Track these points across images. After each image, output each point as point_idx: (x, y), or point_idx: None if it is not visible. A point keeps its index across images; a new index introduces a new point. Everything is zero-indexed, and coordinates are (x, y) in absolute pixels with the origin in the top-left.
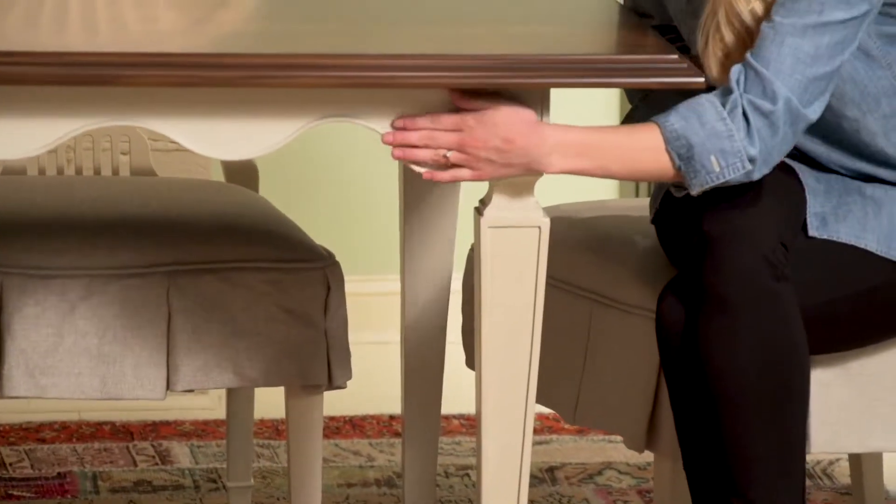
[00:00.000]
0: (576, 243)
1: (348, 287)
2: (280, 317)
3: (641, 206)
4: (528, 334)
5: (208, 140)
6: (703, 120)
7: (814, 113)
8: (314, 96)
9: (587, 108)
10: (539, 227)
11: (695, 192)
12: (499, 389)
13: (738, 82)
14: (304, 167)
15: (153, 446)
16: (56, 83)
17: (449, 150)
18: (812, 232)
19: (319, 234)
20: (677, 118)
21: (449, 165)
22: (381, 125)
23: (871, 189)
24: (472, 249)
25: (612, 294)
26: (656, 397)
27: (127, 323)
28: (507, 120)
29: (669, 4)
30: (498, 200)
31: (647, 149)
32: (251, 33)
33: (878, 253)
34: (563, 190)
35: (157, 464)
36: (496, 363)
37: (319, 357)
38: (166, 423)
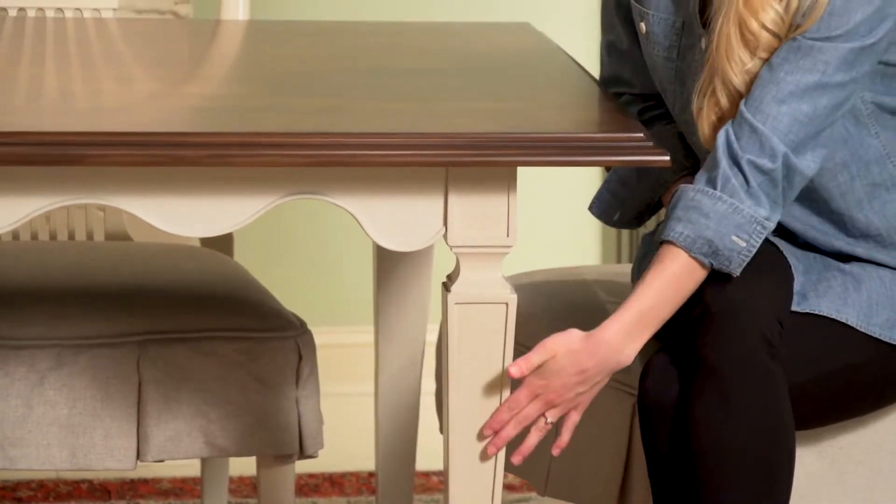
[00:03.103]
0: (548, 311)
1: (326, 338)
2: (252, 386)
3: (618, 272)
4: (496, 408)
5: (176, 218)
6: (705, 211)
7: (809, 170)
8: (282, 174)
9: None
10: (506, 304)
11: (737, 273)
12: (468, 463)
13: (729, 143)
14: (280, 227)
15: None
16: (22, 163)
17: (544, 415)
18: (794, 307)
19: (295, 285)
20: (681, 225)
21: (558, 424)
22: (349, 202)
23: (849, 266)
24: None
25: None
26: (626, 470)
27: (97, 393)
28: (566, 358)
29: (655, 72)
30: (465, 276)
31: (680, 272)
32: (219, 109)
33: (858, 328)
34: (540, 255)
35: None
36: (465, 436)
37: (291, 427)
38: (144, 482)
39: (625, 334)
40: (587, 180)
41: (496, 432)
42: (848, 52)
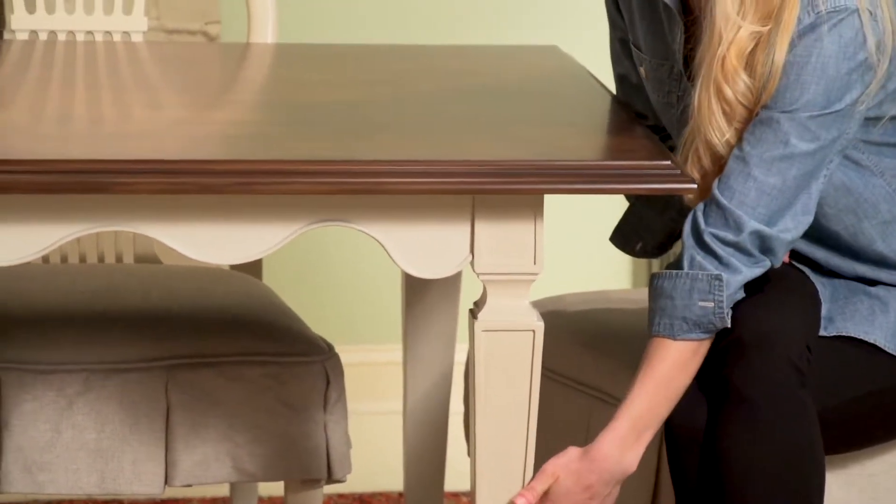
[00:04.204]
0: (577, 337)
1: (354, 356)
2: (279, 411)
3: (647, 295)
4: (523, 435)
5: (202, 245)
6: (668, 294)
7: (788, 234)
8: (308, 201)
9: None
10: (533, 331)
11: (729, 322)
12: (495, 489)
13: (695, 223)
14: (308, 246)
15: None
16: (49, 191)
17: None
18: (821, 332)
19: (323, 304)
20: (657, 317)
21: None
22: (375, 230)
23: (875, 289)
24: None
25: (612, 391)
26: (654, 497)
27: (125, 418)
28: (569, 479)
29: (663, 116)
30: (492, 303)
31: (673, 364)
32: (245, 135)
33: (887, 349)
34: (571, 278)
35: None
36: (491, 462)
37: (319, 451)
38: (174, 501)
39: (620, 444)
40: (619, 202)
41: None
42: (807, 121)
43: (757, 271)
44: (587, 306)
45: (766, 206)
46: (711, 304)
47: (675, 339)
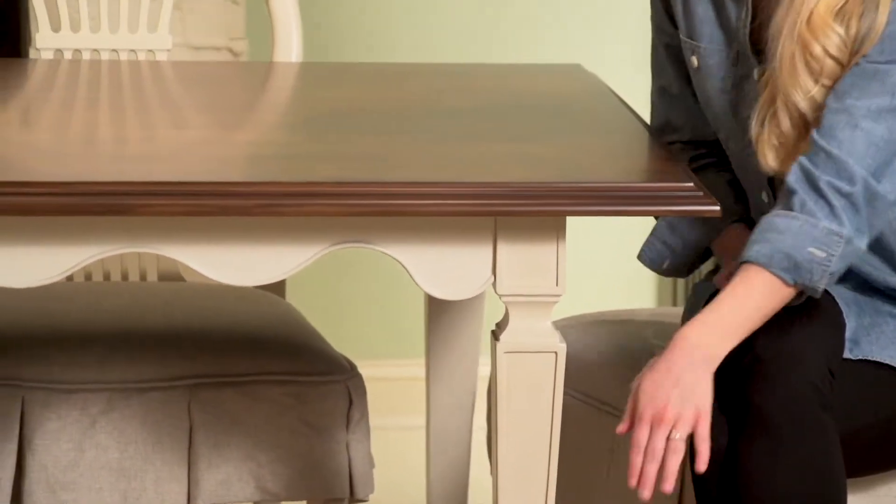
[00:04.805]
0: (601, 355)
1: (377, 372)
2: (302, 430)
3: (670, 313)
4: (545, 457)
5: (223, 267)
6: (780, 229)
7: (891, 195)
8: (330, 223)
9: None
10: (556, 353)
11: (821, 290)
12: None
13: (806, 171)
14: (331, 262)
15: None
16: (72, 213)
17: (671, 436)
18: (846, 354)
19: (345, 319)
20: (758, 245)
21: (687, 441)
22: (397, 251)
23: None
24: None
25: None
26: None
27: (148, 437)
28: (649, 373)
29: (709, 107)
30: (514, 325)
31: (762, 287)
32: (268, 156)
33: None
34: (595, 297)
35: None
36: (513, 483)
37: (341, 471)
38: None
39: (699, 328)
40: (644, 221)
41: (640, 479)
42: None
43: (855, 246)
44: (610, 322)
45: (874, 157)
46: (823, 255)
47: (768, 269)
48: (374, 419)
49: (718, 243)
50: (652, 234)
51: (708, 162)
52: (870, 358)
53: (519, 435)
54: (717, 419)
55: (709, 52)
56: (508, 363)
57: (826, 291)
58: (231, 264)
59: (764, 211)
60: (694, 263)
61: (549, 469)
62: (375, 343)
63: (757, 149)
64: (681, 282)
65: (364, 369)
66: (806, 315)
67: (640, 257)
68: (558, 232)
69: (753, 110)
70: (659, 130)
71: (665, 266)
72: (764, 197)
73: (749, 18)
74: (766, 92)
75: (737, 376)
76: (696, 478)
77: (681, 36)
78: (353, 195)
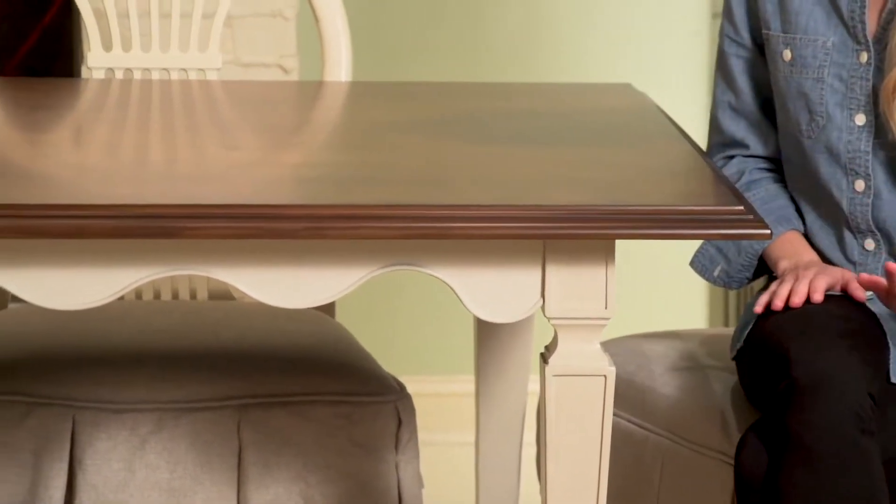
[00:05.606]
0: (651, 377)
1: (426, 388)
2: (351, 450)
3: (719, 333)
4: (595, 479)
5: (271, 289)
6: None
7: None
8: (379, 245)
9: None
10: (605, 376)
11: None
12: None
13: None
14: (381, 280)
15: None
16: (122, 236)
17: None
18: (893, 378)
19: (395, 335)
20: None
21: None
22: (446, 274)
23: None
24: None
25: (685, 433)
26: None
27: (197, 457)
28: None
29: (797, 99)
30: (563, 348)
31: None
32: (316, 179)
33: None
34: (646, 318)
35: None
36: None
37: (391, 492)
38: None
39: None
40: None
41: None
42: None
43: None
44: (661, 346)
45: None
46: None
47: None
48: (422, 435)
49: (773, 248)
50: (705, 240)
51: (770, 175)
52: None
53: (568, 458)
54: (756, 446)
55: (804, 43)
56: (557, 386)
57: (870, 313)
58: (279, 287)
59: (854, 198)
60: (744, 273)
61: (599, 493)
62: (424, 359)
63: (889, 118)
64: (732, 303)
65: (412, 385)
66: (846, 339)
67: (692, 264)
68: (607, 255)
69: (860, 93)
70: (721, 146)
71: (717, 273)
72: (850, 185)
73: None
74: (890, 76)
75: (775, 402)
76: (742, 503)
77: (770, 33)
78: (402, 218)
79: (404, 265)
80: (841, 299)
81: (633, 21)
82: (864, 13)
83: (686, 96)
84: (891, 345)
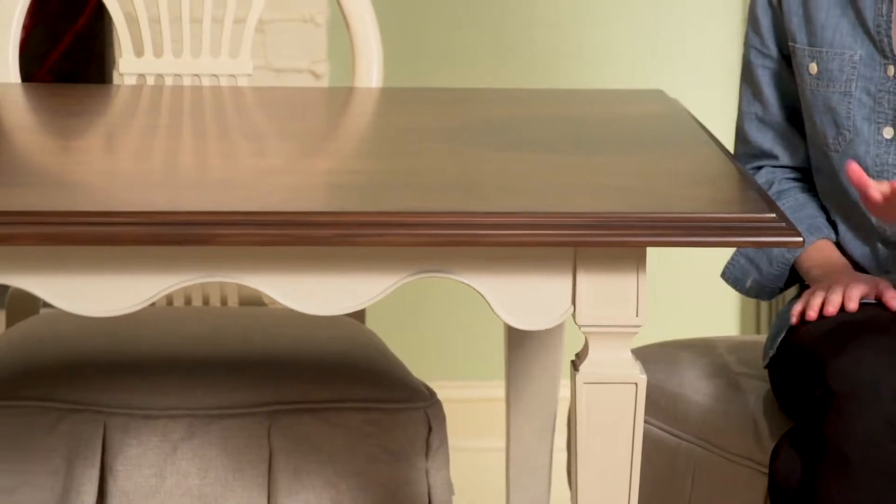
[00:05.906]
0: (682, 385)
1: (456, 393)
2: (381, 457)
3: (751, 341)
4: (626, 486)
5: (302, 296)
6: None
7: None
8: (409, 252)
9: None
10: (636, 384)
11: None
12: None
13: None
14: (412, 289)
15: None
16: (152, 243)
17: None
18: None
19: (425, 341)
20: None
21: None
22: (476, 281)
23: None
24: None
25: (717, 441)
26: None
27: (228, 463)
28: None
29: (824, 113)
30: (594, 355)
31: None
32: (346, 186)
33: None
34: (677, 326)
35: None
36: None
37: (420, 499)
38: None
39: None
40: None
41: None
42: None
43: None
44: (692, 353)
45: None
46: None
47: None
48: (452, 441)
49: (804, 257)
50: (737, 250)
51: (799, 185)
52: None
53: (599, 465)
54: (791, 454)
55: (830, 56)
56: (588, 394)
57: None
58: (310, 294)
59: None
60: (776, 283)
61: (630, 500)
62: (454, 365)
63: None
64: (764, 310)
65: (442, 391)
66: (880, 347)
67: (723, 275)
68: (638, 262)
69: (888, 107)
70: (750, 157)
71: (748, 284)
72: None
73: (890, 11)
74: None
75: (810, 411)
76: None
77: (796, 46)
78: (432, 225)
79: (434, 272)
80: (876, 307)
81: (666, 28)
82: (889, 27)
83: (717, 102)
84: None
